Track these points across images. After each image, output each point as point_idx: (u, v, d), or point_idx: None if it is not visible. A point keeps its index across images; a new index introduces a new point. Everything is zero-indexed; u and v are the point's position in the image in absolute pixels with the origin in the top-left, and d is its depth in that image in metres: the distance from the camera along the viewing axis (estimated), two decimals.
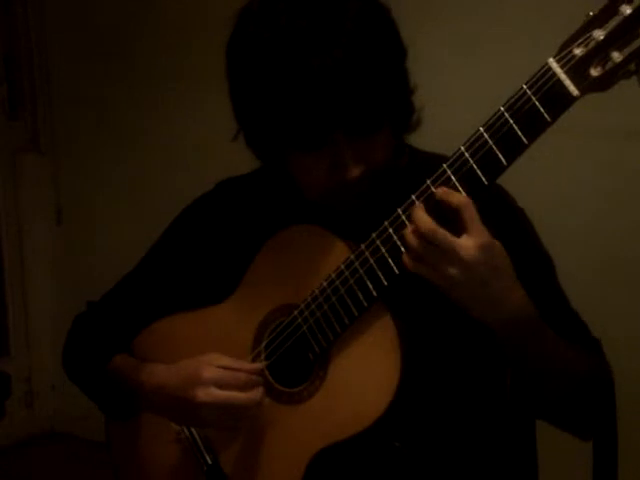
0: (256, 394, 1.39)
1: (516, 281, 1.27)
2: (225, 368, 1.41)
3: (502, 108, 1.21)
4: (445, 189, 1.24)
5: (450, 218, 1.23)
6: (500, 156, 1.21)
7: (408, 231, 1.25)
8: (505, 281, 1.25)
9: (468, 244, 1.21)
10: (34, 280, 4.01)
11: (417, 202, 1.26)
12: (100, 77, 3.68)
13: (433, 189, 1.25)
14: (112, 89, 3.64)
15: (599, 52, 1.15)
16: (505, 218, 1.44)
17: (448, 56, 2.72)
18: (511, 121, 1.20)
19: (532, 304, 1.30)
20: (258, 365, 1.43)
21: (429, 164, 1.28)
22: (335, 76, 1.26)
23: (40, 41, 3.87)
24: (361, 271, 1.32)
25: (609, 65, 1.15)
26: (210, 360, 1.42)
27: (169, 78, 3.43)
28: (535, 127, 1.19)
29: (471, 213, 1.21)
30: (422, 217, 1.24)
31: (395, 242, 1.28)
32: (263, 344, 1.45)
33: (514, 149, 1.20)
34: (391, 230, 1.29)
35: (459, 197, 1.22)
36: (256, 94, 1.33)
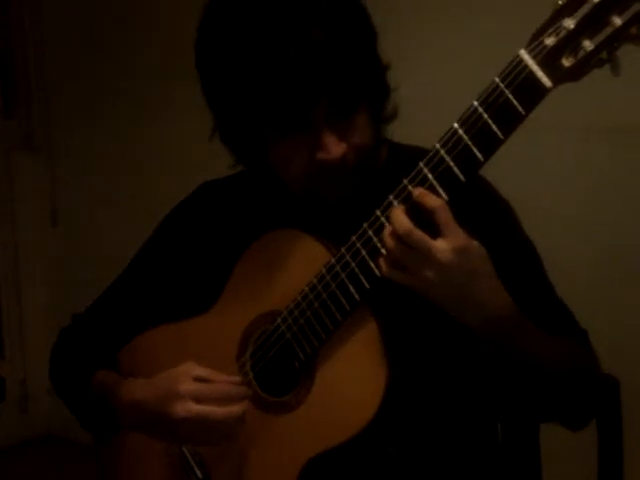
0: (237, 408, 1.36)
1: (496, 282, 1.25)
2: (202, 379, 1.38)
3: (476, 102, 1.19)
4: (421, 190, 1.22)
5: (429, 219, 1.21)
6: (476, 152, 1.19)
7: (386, 233, 1.24)
8: (483, 283, 1.23)
9: (443, 247, 1.20)
10: (29, 282, 3.98)
11: (395, 202, 1.25)
12: (96, 76, 3.64)
13: (410, 189, 1.23)
14: (108, 88, 3.61)
15: (570, 41, 1.13)
16: (488, 209, 1.44)
17: (434, 40, 2.71)
18: (485, 116, 1.18)
19: (514, 304, 1.28)
20: (236, 378, 1.40)
21: (410, 158, 1.27)
22: (315, 56, 1.26)
23: (36, 39, 3.83)
24: (342, 275, 1.30)
25: (581, 54, 1.13)
26: (186, 371, 1.38)
27: (167, 78, 3.39)
28: (509, 121, 1.17)
29: (446, 216, 1.20)
30: (399, 218, 1.22)
31: (375, 244, 1.27)
32: (248, 353, 1.43)
33: (490, 144, 1.19)
34: (371, 232, 1.27)
35: (434, 200, 1.21)
36: (235, 79, 1.31)
